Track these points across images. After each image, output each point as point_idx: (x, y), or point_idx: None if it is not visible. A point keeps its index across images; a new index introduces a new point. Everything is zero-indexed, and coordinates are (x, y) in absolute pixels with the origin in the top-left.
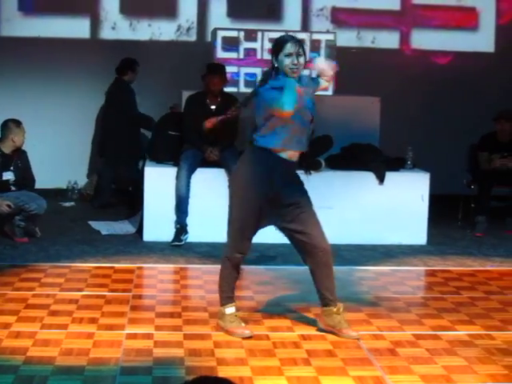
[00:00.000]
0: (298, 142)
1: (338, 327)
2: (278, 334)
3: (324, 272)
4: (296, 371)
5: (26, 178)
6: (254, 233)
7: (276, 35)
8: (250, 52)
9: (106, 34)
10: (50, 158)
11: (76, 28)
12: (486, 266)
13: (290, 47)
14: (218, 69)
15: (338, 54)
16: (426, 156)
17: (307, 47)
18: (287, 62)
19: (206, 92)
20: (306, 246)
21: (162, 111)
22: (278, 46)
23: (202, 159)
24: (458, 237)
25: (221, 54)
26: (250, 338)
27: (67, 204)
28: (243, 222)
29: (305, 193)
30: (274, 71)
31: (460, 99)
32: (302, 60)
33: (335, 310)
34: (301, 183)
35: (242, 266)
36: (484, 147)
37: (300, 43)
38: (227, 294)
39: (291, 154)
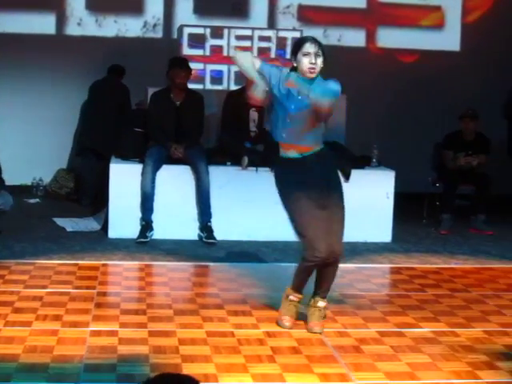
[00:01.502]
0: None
1: (308, 320)
2: (243, 331)
3: (324, 272)
4: (261, 368)
5: None
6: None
7: (242, 32)
8: (216, 49)
9: (72, 30)
10: (15, 154)
11: (42, 24)
12: (451, 264)
13: (308, 47)
14: (182, 62)
15: None
16: (391, 154)
17: (273, 45)
18: (305, 61)
19: (170, 88)
20: None
21: None
22: (297, 45)
23: (167, 156)
24: (422, 234)
25: (187, 50)
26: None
27: (32, 201)
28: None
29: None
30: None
31: (425, 98)
32: (319, 61)
33: (312, 302)
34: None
35: (207, 263)
36: (449, 146)
37: (319, 44)
38: (298, 283)
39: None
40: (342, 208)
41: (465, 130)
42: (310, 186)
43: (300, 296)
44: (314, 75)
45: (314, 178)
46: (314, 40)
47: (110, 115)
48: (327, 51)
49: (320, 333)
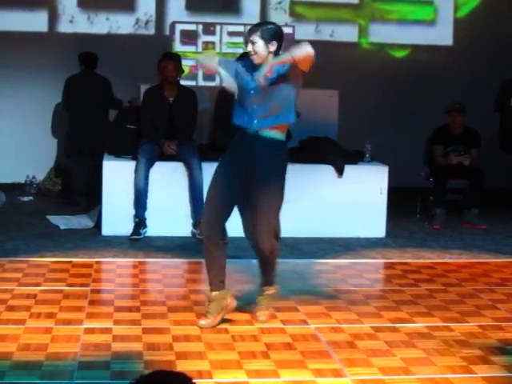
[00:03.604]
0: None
1: (256, 307)
2: (236, 327)
3: (259, 261)
4: (255, 364)
5: None
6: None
7: (234, 28)
8: (209, 45)
9: (64, 27)
10: (9, 152)
11: (34, 21)
12: (444, 259)
13: (246, 35)
14: (172, 56)
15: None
16: (384, 149)
17: None
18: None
19: (163, 85)
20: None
21: None
22: None
23: (159, 153)
24: (416, 229)
25: (179, 47)
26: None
27: (25, 198)
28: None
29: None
30: None
31: (418, 92)
32: (256, 47)
33: (260, 290)
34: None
35: (201, 260)
36: (438, 140)
37: (255, 31)
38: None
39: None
40: (265, 202)
41: (453, 124)
42: (238, 171)
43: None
44: (256, 61)
45: (246, 164)
46: (251, 28)
47: (96, 112)
48: (319, 47)
49: (264, 323)
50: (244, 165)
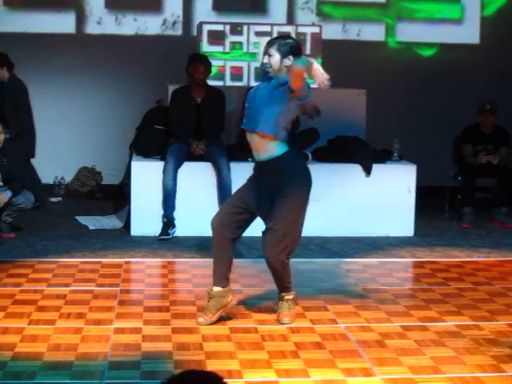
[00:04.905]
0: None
1: (278, 312)
2: (266, 326)
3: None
4: (285, 364)
5: (12, 175)
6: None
7: (261, 28)
8: (236, 45)
9: (92, 28)
10: (37, 153)
11: (62, 23)
12: (474, 257)
13: (265, 47)
14: (202, 57)
15: (324, 46)
16: (412, 148)
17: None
18: None
19: (191, 85)
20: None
21: (149, 105)
22: None
23: (188, 153)
24: (445, 228)
25: (206, 47)
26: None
27: (54, 199)
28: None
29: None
30: None
31: (445, 91)
32: (271, 60)
33: (279, 296)
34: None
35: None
36: (467, 139)
37: (272, 44)
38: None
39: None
40: (282, 219)
41: (483, 123)
42: (263, 186)
43: (211, 287)
44: (271, 74)
45: (264, 186)
46: (269, 40)
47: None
48: (346, 46)
49: (289, 323)
50: (268, 182)
